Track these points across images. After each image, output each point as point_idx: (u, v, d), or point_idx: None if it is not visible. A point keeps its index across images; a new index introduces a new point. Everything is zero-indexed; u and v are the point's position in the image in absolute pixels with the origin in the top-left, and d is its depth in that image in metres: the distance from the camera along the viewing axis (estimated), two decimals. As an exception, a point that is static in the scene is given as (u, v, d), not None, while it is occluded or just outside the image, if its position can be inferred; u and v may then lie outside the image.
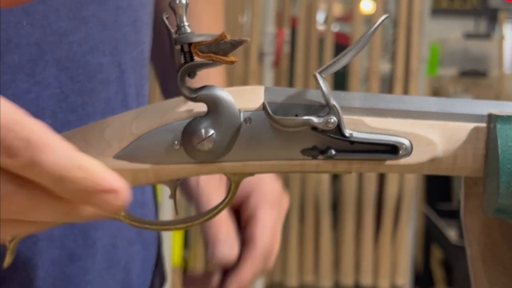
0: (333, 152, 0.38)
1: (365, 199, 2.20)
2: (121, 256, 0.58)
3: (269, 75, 2.12)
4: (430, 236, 2.56)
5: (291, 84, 2.32)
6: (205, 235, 0.59)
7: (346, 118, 0.38)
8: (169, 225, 0.41)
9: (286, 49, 2.24)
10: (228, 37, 0.37)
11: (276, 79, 2.26)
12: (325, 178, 2.20)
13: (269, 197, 0.62)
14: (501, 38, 2.90)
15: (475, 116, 0.39)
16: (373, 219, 2.22)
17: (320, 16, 2.52)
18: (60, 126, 0.48)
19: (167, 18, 0.37)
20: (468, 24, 6.49)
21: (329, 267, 2.23)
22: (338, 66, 0.38)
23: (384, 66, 2.45)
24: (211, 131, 0.38)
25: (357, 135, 0.38)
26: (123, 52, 0.53)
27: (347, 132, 0.38)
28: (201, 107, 0.38)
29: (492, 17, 6.47)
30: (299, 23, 2.33)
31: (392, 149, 0.38)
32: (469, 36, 3.22)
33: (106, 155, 0.39)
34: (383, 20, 0.38)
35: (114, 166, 0.38)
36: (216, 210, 0.41)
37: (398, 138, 0.38)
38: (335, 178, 2.28)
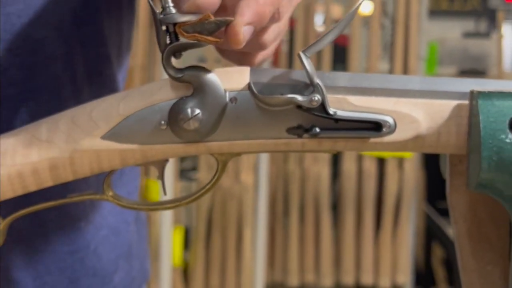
0: (317, 130, 0.38)
1: (365, 197, 2.20)
2: (88, 240, 0.56)
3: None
4: (431, 235, 2.56)
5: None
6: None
7: (330, 97, 0.39)
8: (157, 205, 0.42)
9: (284, 48, 2.24)
10: (212, 17, 0.37)
11: (275, 79, 2.26)
12: (325, 177, 2.21)
13: None
14: (500, 37, 2.90)
15: (457, 93, 0.39)
16: (373, 217, 2.22)
17: (319, 18, 2.53)
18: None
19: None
20: (467, 25, 6.50)
21: (329, 266, 2.23)
22: (322, 45, 0.38)
23: (382, 66, 2.45)
24: (197, 111, 0.38)
25: (341, 113, 0.39)
26: (71, 27, 0.50)
27: (331, 110, 0.38)
28: (187, 88, 0.39)
29: (492, 17, 6.47)
30: (298, 24, 2.33)
31: (376, 127, 0.39)
32: (468, 35, 3.22)
33: (94, 135, 0.39)
34: (363, 1, 0.38)
35: (101, 146, 0.39)
36: (203, 190, 0.41)
37: (381, 116, 0.39)
38: (335, 177, 2.29)
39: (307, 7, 2.34)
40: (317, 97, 0.38)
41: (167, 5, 0.38)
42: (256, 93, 0.38)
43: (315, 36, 2.33)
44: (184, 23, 0.37)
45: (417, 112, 0.39)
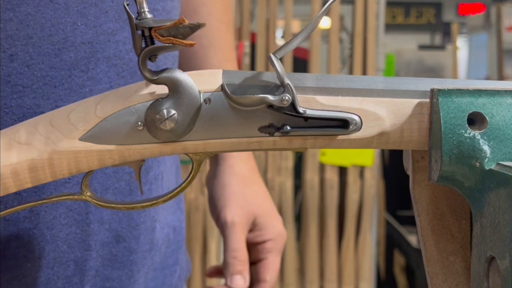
0: (288, 128, 0.40)
1: (328, 207, 2.24)
2: (158, 238, 0.63)
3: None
4: (392, 243, 2.61)
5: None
6: (225, 265, 0.69)
7: (299, 97, 0.41)
8: (135, 204, 0.43)
9: (246, 60, 2.27)
10: (187, 21, 0.39)
11: (236, 91, 2.28)
12: (288, 188, 2.23)
13: (280, 244, 0.72)
14: (455, 48, 2.99)
15: (419, 92, 0.42)
16: (336, 227, 2.25)
17: (279, 32, 2.57)
18: None
19: (127, 5, 0.39)
20: (423, 38, 6.64)
21: (294, 276, 2.25)
22: (290, 47, 0.40)
23: (342, 78, 2.49)
24: (173, 111, 0.40)
25: (310, 112, 0.41)
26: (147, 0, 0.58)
27: (301, 109, 0.40)
28: (163, 89, 0.40)
29: (446, 30, 6.64)
30: (258, 38, 2.36)
31: (343, 124, 0.41)
32: (423, 47, 3.30)
33: (72, 137, 0.40)
34: (331, 4, 0.40)
35: (80, 147, 0.40)
36: (179, 188, 0.43)
37: (348, 114, 0.41)
38: (298, 188, 2.31)
39: (268, 22, 2.37)
40: (287, 96, 0.40)
41: (142, 10, 0.39)
42: (229, 93, 0.40)
43: (275, 48, 2.36)
44: (159, 27, 0.39)
45: (381, 110, 0.41)
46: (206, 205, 2.02)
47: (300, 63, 2.66)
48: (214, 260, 2.04)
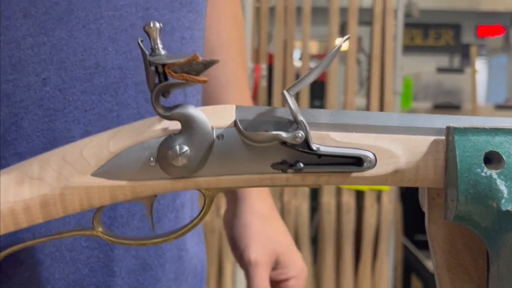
0: (301, 165, 0.40)
1: (344, 231, 2.22)
2: (184, 268, 0.63)
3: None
4: (409, 267, 2.58)
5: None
6: None
7: (313, 133, 0.40)
8: (145, 240, 0.43)
9: (263, 83, 2.27)
10: (200, 58, 0.39)
11: (253, 114, 2.28)
12: (305, 211, 2.22)
13: (302, 281, 0.72)
14: (474, 71, 2.97)
15: (434, 129, 0.41)
16: (353, 251, 2.24)
17: (296, 54, 2.58)
18: None
19: (141, 41, 0.39)
20: (442, 60, 6.62)
21: (310, 300, 2.23)
22: (304, 84, 0.40)
23: (359, 101, 2.49)
24: (185, 148, 0.40)
25: (324, 149, 0.40)
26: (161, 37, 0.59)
27: (314, 146, 0.40)
28: (176, 125, 0.40)
29: (466, 53, 6.62)
30: (276, 59, 2.37)
31: (357, 162, 0.40)
32: (442, 70, 3.29)
33: (84, 172, 0.40)
34: (346, 39, 0.40)
35: (92, 183, 0.40)
36: (191, 224, 0.42)
37: (362, 151, 0.40)
38: (314, 211, 2.30)
39: (285, 43, 2.38)
40: (300, 133, 0.40)
41: (156, 47, 0.39)
42: (242, 130, 0.40)
43: (293, 71, 2.37)
44: (172, 63, 0.39)
45: (396, 148, 0.41)
46: (221, 227, 2.01)
47: (318, 85, 2.66)
48: (229, 283, 2.02)
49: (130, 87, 0.54)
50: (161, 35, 0.40)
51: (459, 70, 3.49)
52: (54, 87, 0.52)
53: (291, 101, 0.40)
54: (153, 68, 0.39)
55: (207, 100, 0.71)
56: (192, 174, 0.40)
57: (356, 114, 0.42)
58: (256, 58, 2.34)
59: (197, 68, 0.39)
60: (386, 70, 2.30)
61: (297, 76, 2.39)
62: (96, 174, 0.40)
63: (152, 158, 0.40)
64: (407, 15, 2.65)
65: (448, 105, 3.00)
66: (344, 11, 2.33)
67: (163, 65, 0.39)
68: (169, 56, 0.39)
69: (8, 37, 0.51)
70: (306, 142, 0.40)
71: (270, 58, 2.46)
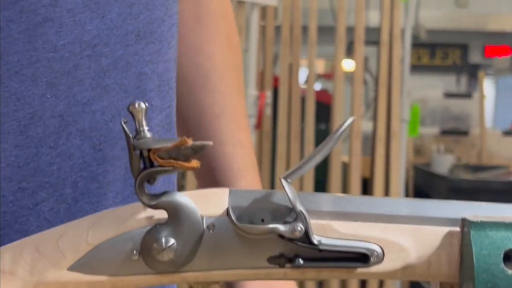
0: (301, 261, 0.36)
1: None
2: None
3: (251, 137, 2.11)
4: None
5: (274, 145, 2.31)
6: None
7: (314, 223, 0.37)
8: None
9: (268, 111, 2.24)
10: (190, 142, 0.35)
11: (258, 141, 2.25)
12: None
13: None
14: (482, 96, 2.93)
15: (448, 219, 0.37)
16: (358, 286, 2.19)
17: (302, 74, 2.54)
18: (80, 194, 0.48)
19: (125, 122, 0.36)
20: (449, 80, 6.59)
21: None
22: (304, 170, 0.36)
23: (366, 125, 2.45)
24: (172, 240, 0.36)
25: (326, 241, 0.36)
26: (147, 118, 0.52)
27: (315, 239, 0.36)
28: (162, 214, 0.37)
29: (473, 72, 6.58)
30: (281, 83, 2.34)
31: (362, 256, 0.37)
32: (449, 95, 3.25)
33: (60, 267, 0.36)
34: (350, 123, 0.36)
35: (68, 278, 0.36)
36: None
37: (368, 245, 0.37)
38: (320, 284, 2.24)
39: (291, 65, 2.34)
40: (300, 226, 0.36)
41: (141, 129, 0.36)
42: (235, 221, 0.36)
43: (298, 93, 2.32)
44: (158, 149, 0.35)
45: (405, 240, 0.37)
46: None
47: (323, 108, 2.62)
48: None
49: (74, 135, 0.48)
50: (147, 116, 0.36)
51: (467, 95, 3.45)
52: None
53: (289, 189, 0.36)
54: (137, 152, 0.36)
55: (200, 132, 0.65)
56: (179, 269, 0.36)
57: (362, 200, 0.38)
58: (261, 84, 2.31)
59: (186, 153, 0.35)
60: (393, 96, 2.26)
61: (303, 98, 2.35)
62: (73, 268, 0.36)
63: (135, 251, 0.36)
64: (414, 36, 2.62)
65: (455, 130, 2.95)
66: (350, 30, 2.30)
67: (149, 150, 0.35)
68: (155, 139, 0.36)
69: None
70: (306, 235, 0.36)
71: (276, 81, 2.43)
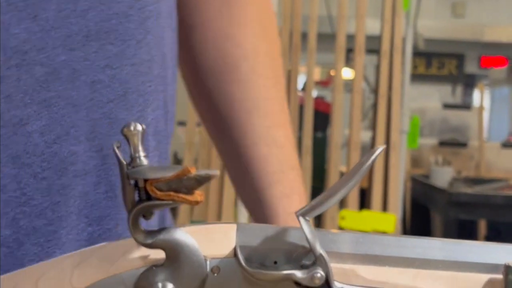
0: (320, 313, 0.31)
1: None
2: None
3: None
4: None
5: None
6: None
7: (335, 267, 0.31)
8: None
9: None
10: (193, 171, 0.30)
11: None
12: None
13: None
14: (481, 109, 2.89)
15: (488, 265, 0.32)
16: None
17: (300, 80, 2.49)
18: (23, 235, 0.40)
19: (118, 147, 0.31)
20: (445, 89, 6.57)
21: None
22: (325, 207, 0.31)
23: (365, 135, 2.41)
24: (170, 286, 0.31)
25: (349, 290, 0.31)
26: (105, 135, 0.44)
27: (336, 287, 0.31)
28: (158, 254, 0.31)
29: (468, 82, 6.55)
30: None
31: (391, 308, 0.32)
32: (448, 106, 3.21)
33: (39, 313, 0.31)
34: (379, 153, 0.31)
35: (48, 327, 0.31)
36: None
37: (398, 294, 0.32)
38: None
39: (289, 73, 2.30)
40: (319, 274, 0.31)
41: (137, 155, 0.31)
42: (244, 263, 0.31)
43: (296, 100, 2.28)
44: (157, 179, 0.30)
45: (440, 289, 0.32)
46: None
47: (321, 116, 2.58)
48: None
49: (4, 163, 0.40)
50: (143, 140, 0.31)
51: (466, 107, 3.41)
52: None
53: (307, 228, 0.31)
54: (132, 182, 0.31)
55: (231, 130, 0.56)
56: (178, 318, 0.31)
57: (389, 240, 0.33)
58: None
59: (188, 184, 0.30)
60: (393, 107, 2.22)
61: (301, 106, 2.30)
62: None
63: None
64: (413, 45, 2.58)
65: (454, 142, 2.91)
66: (349, 38, 2.25)
67: (145, 180, 0.30)
68: (152, 168, 0.31)
69: None
70: (327, 282, 0.31)
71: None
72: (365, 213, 2.16)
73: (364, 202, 2.29)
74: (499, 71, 6.84)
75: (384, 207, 2.24)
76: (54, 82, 0.40)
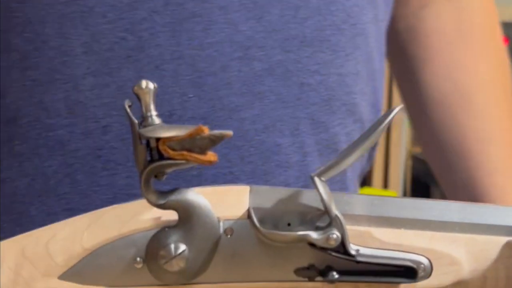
0: (335, 275, 0.30)
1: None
2: None
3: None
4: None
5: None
6: None
7: (350, 230, 0.31)
8: None
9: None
10: (206, 131, 0.29)
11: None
12: None
13: None
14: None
15: (506, 227, 0.32)
16: None
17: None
18: None
19: (129, 106, 0.30)
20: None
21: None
22: (341, 167, 0.31)
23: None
24: (183, 247, 0.30)
25: (365, 251, 0.31)
26: (307, 134, 0.46)
27: (352, 249, 0.31)
28: (171, 215, 0.31)
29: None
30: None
31: (407, 270, 0.31)
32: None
33: (50, 275, 0.31)
34: (397, 112, 0.31)
35: (59, 289, 0.31)
36: None
37: (414, 256, 0.31)
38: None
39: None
40: (335, 235, 0.30)
41: (149, 114, 0.30)
42: (258, 225, 0.30)
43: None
44: (169, 138, 0.29)
45: (457, 251, 0.31)
46: None
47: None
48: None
49: None
50: (155, 99, 0.30)
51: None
52: (116, 137, 0.43)
53: (322, 189, 0.30)
54: (144, 141, 0.30)
55: (462, 160, 0.55)
56: (190, 280, 0.31)
57: (405, 202, 0.33)
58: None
59: (202, 144, 0.29)
60: (394, 84, 2.21)
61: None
62: (64, 277, 0.31)
63: (138, 259, 0.31)
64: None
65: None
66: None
67: (157, 140, 0.30)
68: (165, 127, 0.30)
69: (65, 76, 0.42)
70: (342, 243, 0.31)
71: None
72: (366, 190, 2.16)
73: (365, 179, 2.29)
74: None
75: (385, 185, 2.23)
76: (268, 78, 0.44)
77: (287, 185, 0.45)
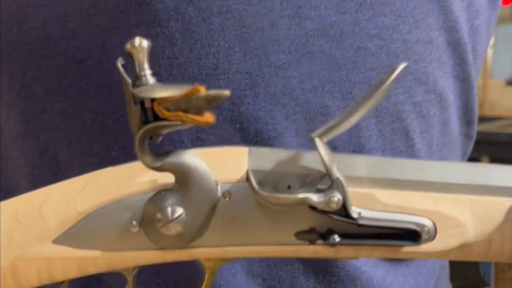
0: (336, 238, 0.30)
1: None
2: None
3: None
4: None
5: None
6: None
7: (352, 192, 0.30)
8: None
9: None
10: (203, 91, 0.28)
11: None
12: None
13: None
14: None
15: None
16: None
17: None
18: None
19: (122, 65, 0.29)
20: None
21: None
22: (342, 128, 0.30)
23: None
24: (180, 210, 0.29)
25: (367, 214, 0.30)
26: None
27: (354, 212, 0.30)
28: (168, 177, 0.30)
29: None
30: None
31: (411, 233, 0.30)
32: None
33: (44, 239, 0.30)
34: (400, 71, 0.30)
35: (53, 253, 0.30)
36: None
37: (418, 219, 0.30)
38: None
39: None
40: (337, 197, 0.29)
41: (143, 73, 0.29)
42: (257, 187, 0.29)
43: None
44: (164, 98, 0.28)
45: (463, 213, 0.31)
46: None
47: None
48: None
49: (262, 97, 0.43)
50: (148, 58, 0.29)
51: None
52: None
53: (323, 150, 0.29)
54: (138, 102, 0.29)
55: None
56: (188, 244, 0.30)
57: (409, 164, 0.32)
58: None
59: (197, 104, 0.28)
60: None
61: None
62: (59, 241, 0.30)
63: (134, 222, 0.30)
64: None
65: (458, 80, 2.87)
66: None
67: (152, 100, 0.28)
68: (160, 87, 0.29)
69: (120, 25, 0.42)
70: (343, 206, 0.30)
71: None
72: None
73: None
74: (504, 9, 6.73)
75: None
76: (320, 38, 0.43)
77: (334, 148, 0.44)
